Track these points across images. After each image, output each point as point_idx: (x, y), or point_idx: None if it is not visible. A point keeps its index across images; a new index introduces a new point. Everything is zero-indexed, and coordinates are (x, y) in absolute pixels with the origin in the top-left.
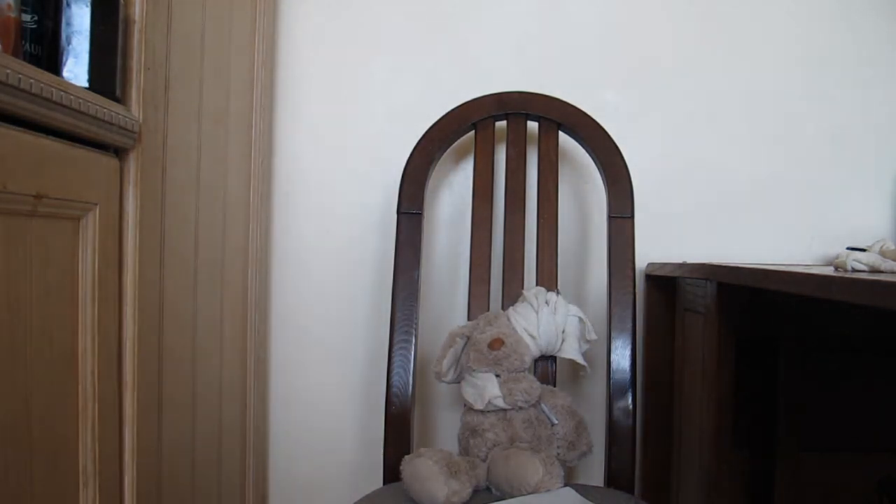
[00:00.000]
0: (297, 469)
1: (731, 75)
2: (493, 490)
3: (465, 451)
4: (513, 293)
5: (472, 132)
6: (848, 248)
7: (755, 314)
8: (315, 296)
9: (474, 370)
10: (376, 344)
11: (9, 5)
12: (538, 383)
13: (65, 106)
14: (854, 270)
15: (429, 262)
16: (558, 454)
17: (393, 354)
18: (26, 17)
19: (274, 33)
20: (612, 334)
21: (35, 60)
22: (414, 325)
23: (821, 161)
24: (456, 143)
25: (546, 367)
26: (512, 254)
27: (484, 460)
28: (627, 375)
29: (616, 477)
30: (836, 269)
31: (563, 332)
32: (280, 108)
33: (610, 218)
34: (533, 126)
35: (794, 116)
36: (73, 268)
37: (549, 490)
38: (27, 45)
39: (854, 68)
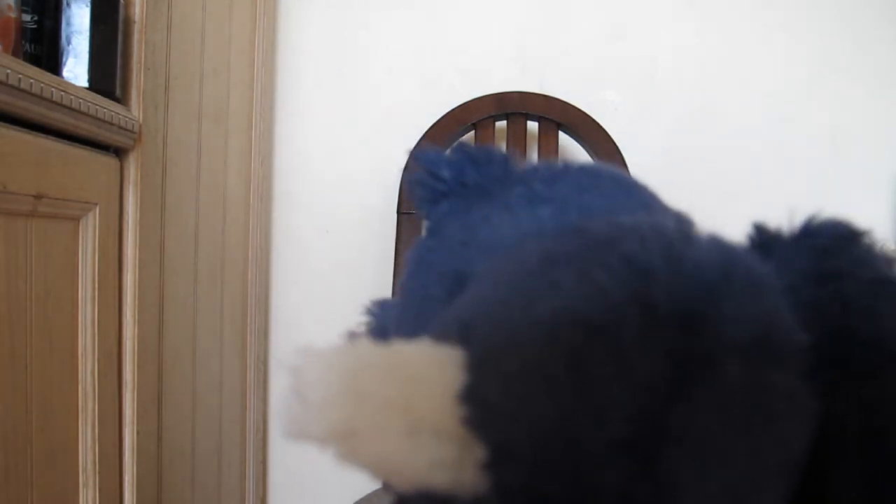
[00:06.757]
0: (297, 469)
1: (730, 75)
2: None
3: None
4: None
5: (472, 132)
6: None
7: None
8: (315, 296)
9: None
10: None
11: (9, 5)
12: None
13: (65, 106)
14: None
15: None
16: None
17: None
18: (26, 17)
19: (274, 33)
20: None
21: (35, 60)
22: None
23: (820, 161)
24: (456, 144)
25: None
26: None
27: None
28: None
29: None
30: None
31: None
32: (280, 108)
33: None
34: (533, 126)
35: (793, 116)
36: (73, 268)
37: None
38: (27, 45)
39: (854, 68)
